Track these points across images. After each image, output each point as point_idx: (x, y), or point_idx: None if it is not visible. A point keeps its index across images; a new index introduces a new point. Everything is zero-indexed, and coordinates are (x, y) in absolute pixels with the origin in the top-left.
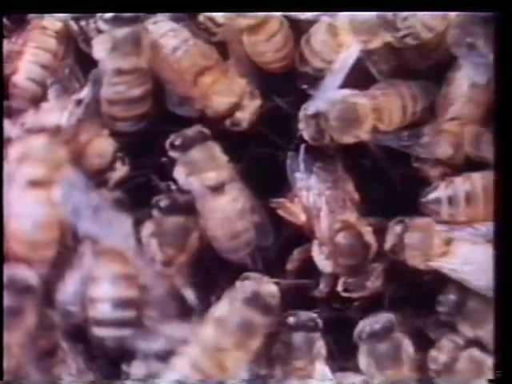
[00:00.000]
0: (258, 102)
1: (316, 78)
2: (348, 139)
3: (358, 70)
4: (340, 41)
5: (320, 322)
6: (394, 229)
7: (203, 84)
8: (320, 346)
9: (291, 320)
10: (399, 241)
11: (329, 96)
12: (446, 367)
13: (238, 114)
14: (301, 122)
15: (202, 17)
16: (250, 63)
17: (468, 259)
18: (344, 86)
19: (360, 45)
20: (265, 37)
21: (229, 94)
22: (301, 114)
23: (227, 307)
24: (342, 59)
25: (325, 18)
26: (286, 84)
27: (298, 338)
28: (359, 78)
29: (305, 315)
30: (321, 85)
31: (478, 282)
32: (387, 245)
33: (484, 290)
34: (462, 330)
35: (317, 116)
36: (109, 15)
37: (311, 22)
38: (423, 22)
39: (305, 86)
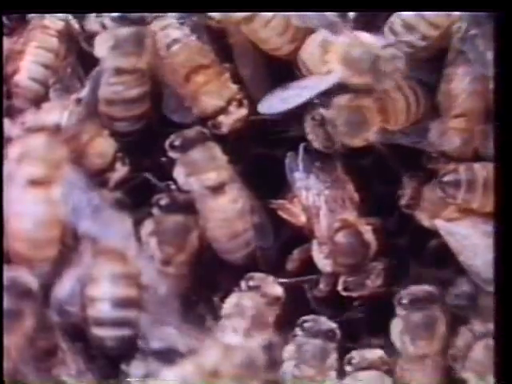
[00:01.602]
0: (244, 111)
1: None
2: (358, 142)
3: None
4: (326, 59)
5: (338, 333)
6: (410, 183)
7: (195, 82)
8: (334, 358)
9: (309, 325)
10: (417, 193)
11: (286, 107)
12: (462, 353)
13: (221, 118)
14: (309, 132)
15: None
16: (254, 53)
17: (470, 237)
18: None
19: (341, 75)
20: (260, 24)
21: (217, 96)
22: (307, 124)
23: (242, 340)
24: (317, 79)
25: (324, 33)
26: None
27: (313, 345)
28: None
29: (324, 324)
30: (284, 92)
31: (472, 260)
32: (403, 199)
33: (476, 272)
34: (475, 324)
35: (324, 123)
36: (115, 15)
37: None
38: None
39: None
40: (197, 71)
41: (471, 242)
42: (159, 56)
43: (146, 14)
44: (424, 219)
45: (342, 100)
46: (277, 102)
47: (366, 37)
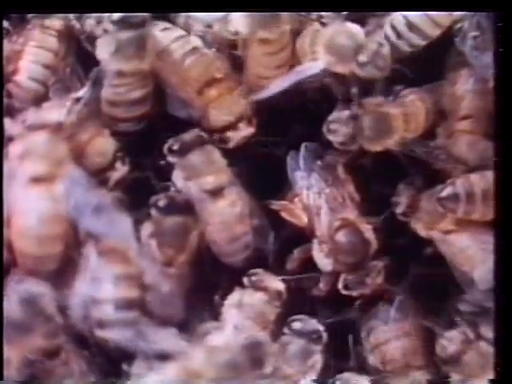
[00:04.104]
0: (251, 130)
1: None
2: (377, 148)
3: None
4: (315, 48)
5: (325, 336)
6: (406, 190)
7: (207, 95)
8: (316, 360)
9: (296, 325)
10: (414, 202)
11: (272, 92)
12: (453, 358)
13: (230, 133)
14: (333, 122)
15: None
16: None
17: (469, 248)
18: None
19: (325, 64)
20: (275, 50)
21: (228, 112)
22: (335, 114)
23: (225, 339)
24: (303, 66)
25: (315, 25)
26: None
27: (297, 345)
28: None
29: (311, 325)
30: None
31: (471, 273)
32: (400, 208)
33: (475, 284)
34: (483, 331)
35: (353, 121)
36: (116, 16)
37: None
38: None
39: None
40: (210, 84)
41: (469, 253)
42: (161, 57)
43: (146, 17)
44: (420, 229)
45: (371, 103)
46: (273, 87)
47: (351, 26)
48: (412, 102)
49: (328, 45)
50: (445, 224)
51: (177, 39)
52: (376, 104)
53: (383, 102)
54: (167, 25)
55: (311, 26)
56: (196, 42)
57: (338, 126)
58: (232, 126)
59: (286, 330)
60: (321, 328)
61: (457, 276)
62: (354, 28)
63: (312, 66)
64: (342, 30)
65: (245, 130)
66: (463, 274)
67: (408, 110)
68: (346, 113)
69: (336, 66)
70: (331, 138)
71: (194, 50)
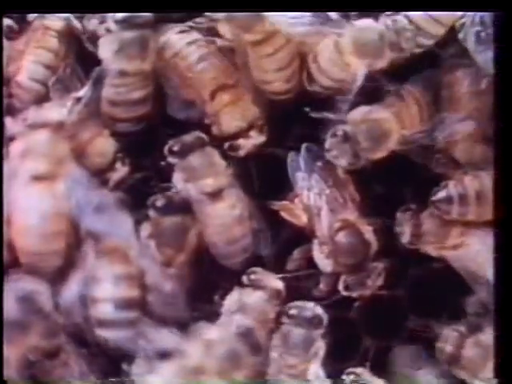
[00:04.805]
0: (263, 138)
1: (323, 98)
2: (381, 154)
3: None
4: (346, 60)
5: (325, 318)
6: (406, 219)
7: (220, 100)
8: (319, 346)
9: (294, 312)
10: (417, 229)
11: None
12: (453, 356)
13: (241, 141)
14: (332, 149)
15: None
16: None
17: (479, 254)
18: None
19: (365, 67)
20: (270, 50)
21: (240, 118)
22: (329, 141)
23: (219, 332)
24: (349, 81)
25: (332, 35)
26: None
27: (297, 333)
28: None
29: (310, 310)
30: (335, 107)
31: (487, 274)
32: (405, 238)
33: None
34: (488, 332)
35: (347, 139)
36: (119, 16)
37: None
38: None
39: (307, 109)
40: (223, 89)
41: (482, 258)
42: (163, 58)
43: (150, 18)
44: (431, 251)
45: (357, 115)
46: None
47: (365, 22)
48: (400, 99)
49: (357, 49)
50: (452, 239)
51: (191, 43)
52: (363, 113)
53: (370, 109)
54: (183, 27)
55: (323, 42)
56: (209, 46)
57: (336, 152)
58: (243, 134)
59: (284, 320)
60: (320, 311)
61: (469, 280)
62: (367, 22)
63: (356, 78)
64: (358, 29)
65: (256, 139)
66: (477, 278)
67: (397, 108)
68: (339, 133)
69: (376, 65)
70: (337, 163)
71: (208, 54)
